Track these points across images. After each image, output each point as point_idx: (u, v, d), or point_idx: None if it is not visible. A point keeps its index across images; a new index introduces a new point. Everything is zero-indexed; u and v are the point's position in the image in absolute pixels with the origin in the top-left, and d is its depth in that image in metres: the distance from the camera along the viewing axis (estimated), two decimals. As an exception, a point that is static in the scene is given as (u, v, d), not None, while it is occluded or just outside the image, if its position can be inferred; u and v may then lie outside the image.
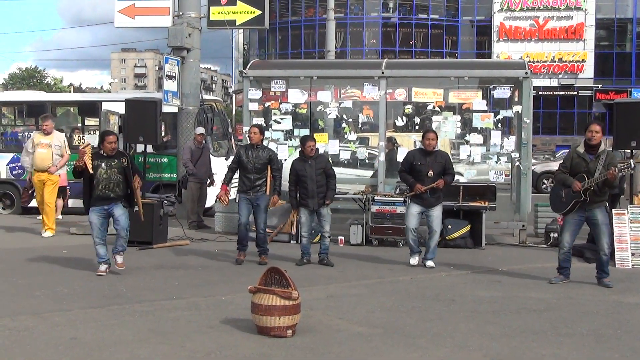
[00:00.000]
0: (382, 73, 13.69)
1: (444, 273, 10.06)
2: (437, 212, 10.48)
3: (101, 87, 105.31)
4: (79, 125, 19.82)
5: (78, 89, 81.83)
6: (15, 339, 6.52)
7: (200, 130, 15.47)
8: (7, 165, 18.51)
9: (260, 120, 14.23)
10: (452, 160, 11.00)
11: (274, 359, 5.95)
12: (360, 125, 14.67)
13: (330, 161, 11.58)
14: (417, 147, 11.78)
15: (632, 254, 10.81)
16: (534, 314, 7.71)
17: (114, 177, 9.45)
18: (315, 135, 12.57)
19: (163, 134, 15.97)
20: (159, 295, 8.50)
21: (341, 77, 14.73)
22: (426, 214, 10.47)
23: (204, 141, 15.40)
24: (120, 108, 14.96)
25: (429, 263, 10.38)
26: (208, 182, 15.35)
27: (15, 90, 56.95)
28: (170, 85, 16.32)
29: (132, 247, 11.89)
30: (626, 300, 8.52)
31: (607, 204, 9.75)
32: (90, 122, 19.61)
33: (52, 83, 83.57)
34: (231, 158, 12.46)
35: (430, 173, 10.29)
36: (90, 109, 19.67)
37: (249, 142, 11.04)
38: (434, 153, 10.48)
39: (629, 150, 11.91)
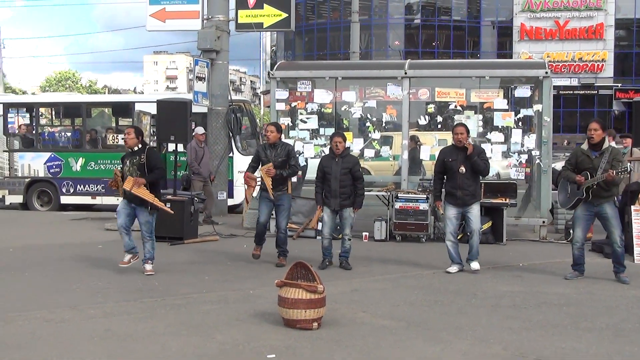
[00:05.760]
0: (405, 73, 13.66)
1: (466, 269, 9.98)
2: (474, 211, 9.72)
3: (134, 89, 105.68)
4: (113, 125, 20.02)
5: (114, 91, 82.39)
6: (52, 331, 6.61)
7: (201, 129, 15.62)
8: (45, 163, 18.74)
9: (286, 120, 14.29)
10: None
11: (300, 351, 5.96)
12: (384, 124, 14.64)
13: (360, 163, 10.82)
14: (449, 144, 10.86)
15: (651, 250, 10.69)
16: (554, 308, 7.65)
17: (134, 175, 9.29)
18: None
19: (193, 133, 16.08)
20: (190, 289, 8.56)
21: (365, 78, 14.74)
22: (464, 214, 9.82)
23: (204, 140, 15.62)
24: (152, 109, 15.06)
25: (474, 265, 9.69)
26: (211, 178, 15.56)
27: (52, 92, 57.60)
28: (200, 87, 16.42)
29: (164, 243, 12.04)
30: (645, 295, 8.45)
31: (616, 200, 9.64)
32: (124, 122, 19.80)
33: (87, 85, 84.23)
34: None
35: (462, 169, 9.57)
36: (124, 109, 19.88)
37: (266, 141, 10.43)
38: (466, 148, 9.63)
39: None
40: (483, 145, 13.31)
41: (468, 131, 9.85)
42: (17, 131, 19.63)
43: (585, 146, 9.28)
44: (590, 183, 8.92)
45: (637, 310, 7.61)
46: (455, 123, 10.34)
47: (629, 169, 9.59)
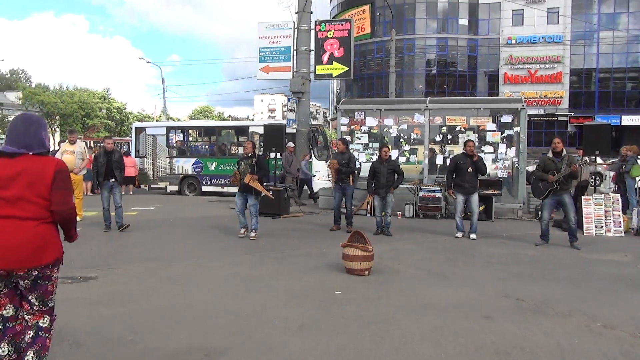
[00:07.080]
0: (426, 106, 13.51)
1: (466, 237, 9.80)
2: (474, 198, 9.66)
3: (248, 117, 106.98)
4: (235, 141, 20.34)
5: (235, 119, 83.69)
6: (200, 272, 6.79)
7: (291, 144, 15.72)
8: (192, 165, 19.17)
9: (347, 137, 14.28)
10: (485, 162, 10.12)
11: (357, 289, 5.96)
12: (412, 140, 14.49)
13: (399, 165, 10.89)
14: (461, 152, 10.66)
15: (595, 226, 10.36)
16: (528, 265, 7.46)
17: (247, 171, 9.32)
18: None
19: (287, 146, 16.24)
20: (285, 247, 8.65)
21: (399, 109, 14.59)
22: (468, 200, 9.72)
23: (293, 151, 15.71)
24: (261, 130, 15.25)
25: (472, 236, 9.60)
26: (297, 176, 15.67)
27: (196, 120, 58.83)
28: (291, 116, 16.58)
29: (268, 217, 12.17)
30: (591, 257, 8.14)
31: (572, 191, 9.36)
32: (242, 139, 20.10)
33: (218, 115, 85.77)
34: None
35: (470, 169, 9.54)
36: (242, 131, 20.17)
37: (336, 150, 10.78)
38: (473, 156, 9.66)
39: (594, 157, 11.34)
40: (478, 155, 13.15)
41: (475, 145, 10.01)
42: (174, 145, 20.14)
43: (550, 154, 9.07)
44: (558, 177, 8.73)
45: (585, 267, 7.36)
46: (466, 139, 10.43)
47: (587, 161, 9.35)
